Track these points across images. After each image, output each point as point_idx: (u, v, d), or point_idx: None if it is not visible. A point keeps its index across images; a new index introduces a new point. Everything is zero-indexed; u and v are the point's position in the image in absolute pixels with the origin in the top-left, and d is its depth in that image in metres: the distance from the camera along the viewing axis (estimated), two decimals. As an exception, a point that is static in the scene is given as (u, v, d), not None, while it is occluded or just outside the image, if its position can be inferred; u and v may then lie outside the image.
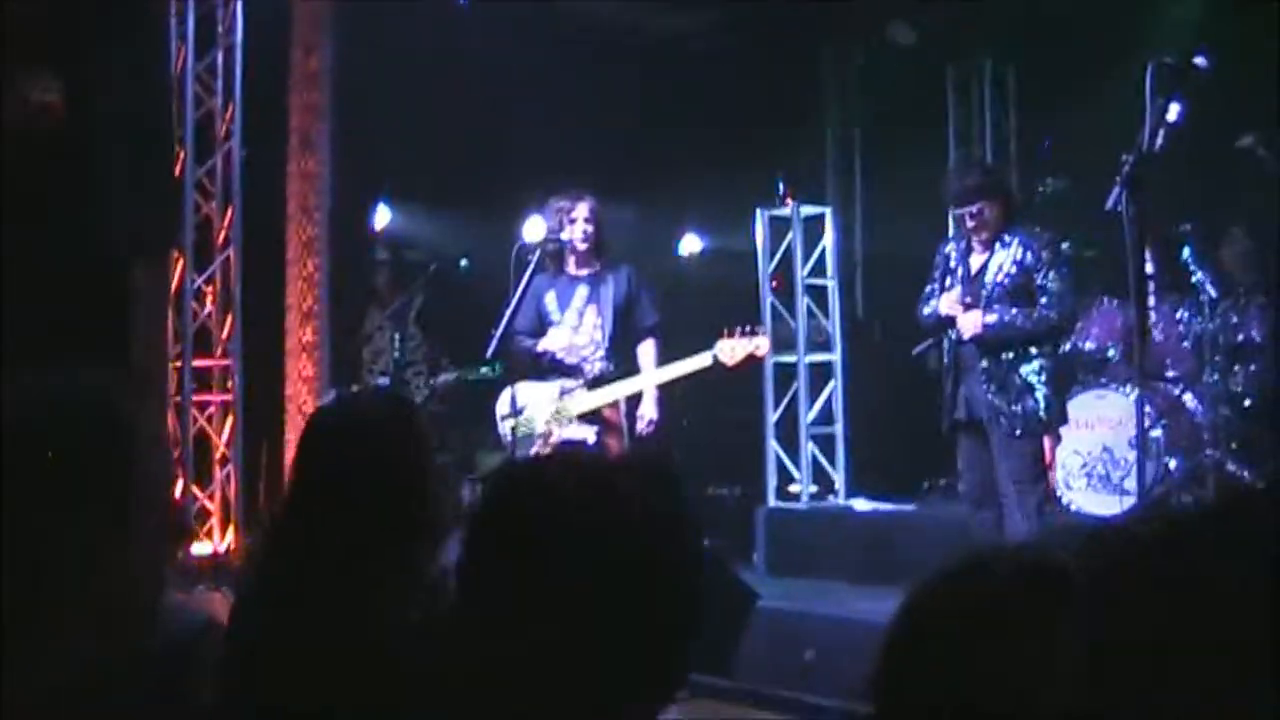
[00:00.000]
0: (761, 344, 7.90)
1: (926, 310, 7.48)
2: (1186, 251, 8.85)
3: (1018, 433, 7.04)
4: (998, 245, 7.21)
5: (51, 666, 1.93)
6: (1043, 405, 7.06)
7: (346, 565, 2.83)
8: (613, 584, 1.76)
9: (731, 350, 7.76)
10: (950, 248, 7.51)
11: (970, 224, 7.24)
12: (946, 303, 7.25)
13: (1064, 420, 7.45)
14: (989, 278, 7.18)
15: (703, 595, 1.84)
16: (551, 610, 1.75)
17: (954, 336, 7.28)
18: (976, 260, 7.30)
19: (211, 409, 9.88)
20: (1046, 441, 7.73)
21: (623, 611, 1.75)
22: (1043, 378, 7.07)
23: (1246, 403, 9.00)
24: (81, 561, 1.95)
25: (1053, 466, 8.54)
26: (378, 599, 2.81)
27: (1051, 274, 7.08)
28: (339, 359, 10.41)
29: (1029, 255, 7.10)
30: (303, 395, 10.19)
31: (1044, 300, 7.06)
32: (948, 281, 7.39)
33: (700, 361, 7.81)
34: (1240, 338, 8.99)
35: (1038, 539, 6.86)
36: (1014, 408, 7.04)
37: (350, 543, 2.85)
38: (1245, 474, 8.77)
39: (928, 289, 7.52)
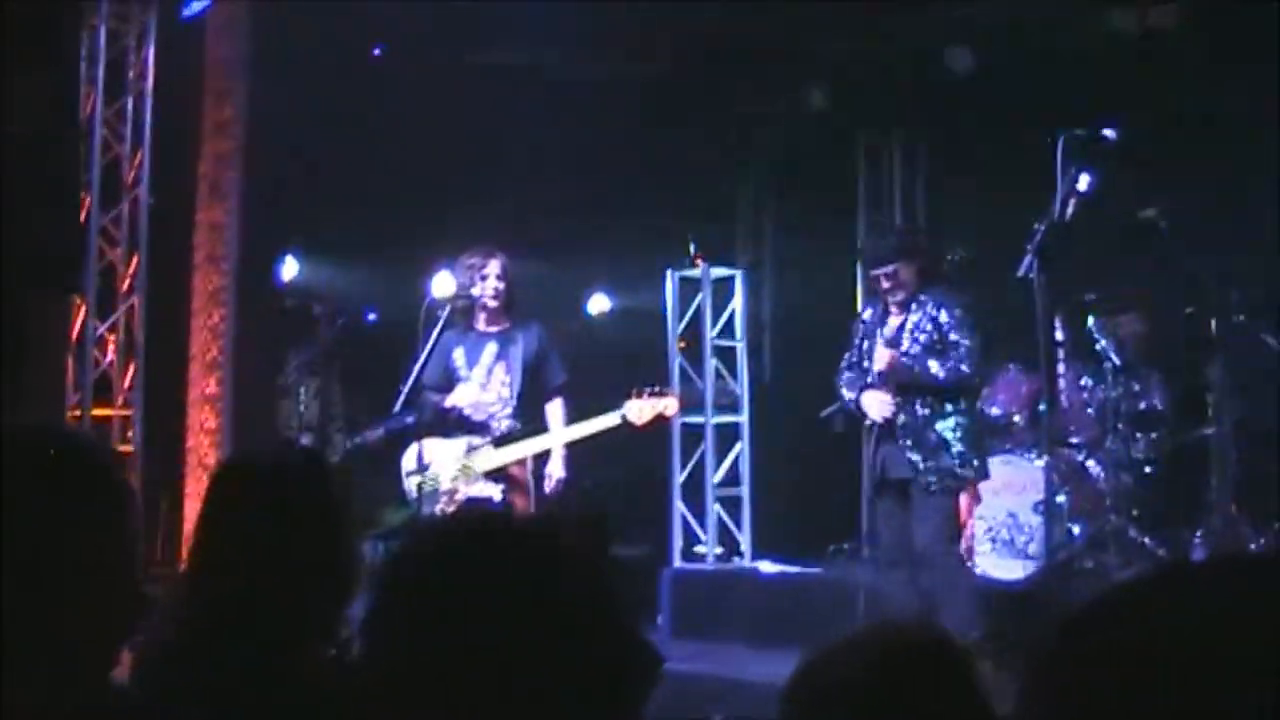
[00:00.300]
0: (670, 404, 7.90)
1: (844, 378, 7.54)
2: (1090, 320, 8.97)
3: (933, 489, 7.09)
4: (913, 306, 7.28)
5: None
6: (958, 461, 7.12)
7: (254, 619, 2.76)
8: (524, 641, 1.72)
9: (640, 410, 7.74)
10: (868, 313, 7.58)
11: (885, 285, 7.32)
12: (879, 359, 7.29)
13: (984, 476, 7.53)
14: (905, 336, 7.25)
15: (617, 656, 1.81)
16: (460, 667, 1.70)
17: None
18: (894, 321, 7.37)
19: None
20: (964, 500, 7.79)
21: (534, 670, 1.71)
22: (958, 434, 7.14)
23: (1148, 469, 9.12)
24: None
25: (969, 526, 8.61)
26: (286, 654, 2.75)
27: (965, 331, 7.17)
28: (242, 411, 10.26)
29: (943, 313, 7.19)
30: (204, 447, 10.05)
31: (955, 354, 7.14)
32: (865, 345, 7.45)
33: (608, 421, 7.79)
34: (1143, 405, 9.11)
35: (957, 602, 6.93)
36: (929, 463, 7.09)
37: (259, 596, 2.78)
38: (1146, 540, 8.86)
39: (846, 356, 7.59)
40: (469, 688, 1.69)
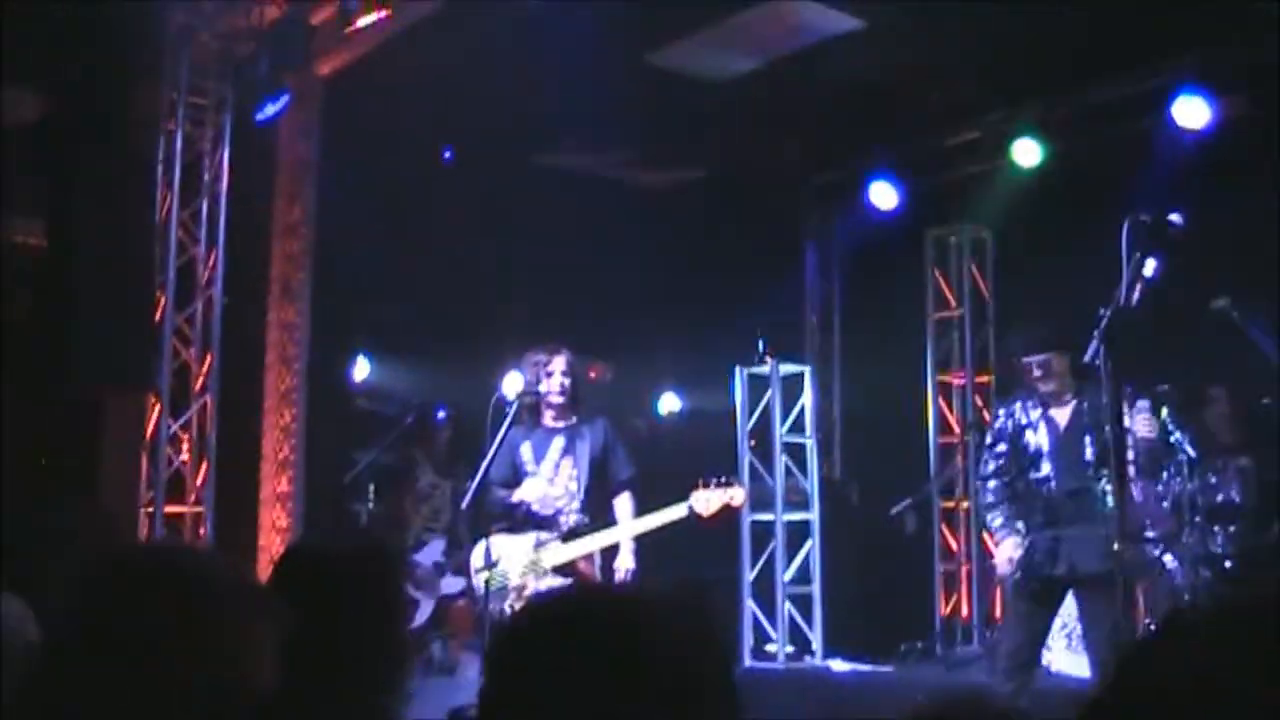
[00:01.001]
0: (737, 495, 7.82)
1: (991, 489, 7.41)
2: (1165, 412, 8.86)
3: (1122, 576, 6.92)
4: (1075, 397, 7.18)
5: None
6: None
7: (306, 703, 2.76)
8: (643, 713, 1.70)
9: (707, 501, 7.68)
10: (1017, 407, 7.43)
11: (1037, 373, 7.22)
12: None
13: None
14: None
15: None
16: None
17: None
18: (1060, 415, 7.26)
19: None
20: None
21: None
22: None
23: (1226, 564, 8.95)
24: None
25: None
26: None
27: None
28: (313, 510, 10.31)
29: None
30: (276, 545, 10.08)
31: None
32: (1023, 440, 7.34)
33: (676, 512, 7.72)
34: (1219, 498, 8.97)
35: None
36: (1130, 550, 6.93)
37: (312, 679, 2.77)
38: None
39: (987, 457, 7.48)
40: None
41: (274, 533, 10.16)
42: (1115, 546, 6.71)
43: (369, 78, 9.85)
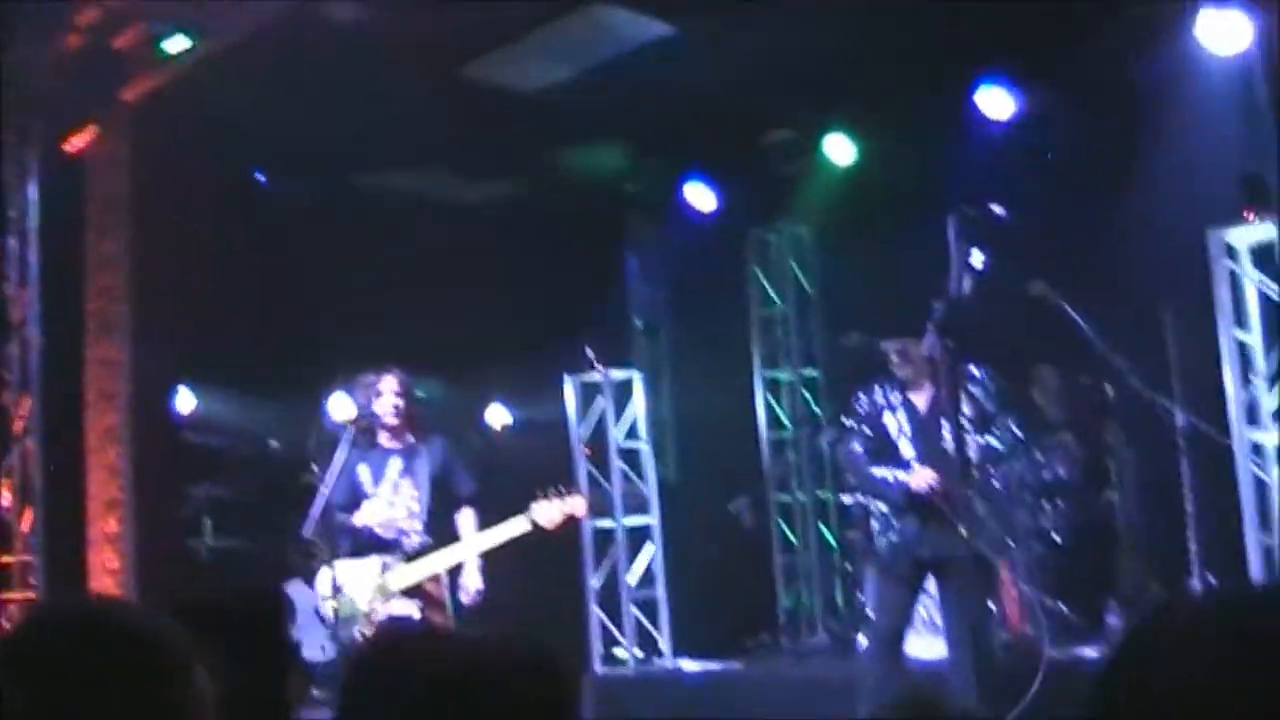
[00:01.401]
0: (578, 504, 7.85)
1: (857, 455, 7.50)
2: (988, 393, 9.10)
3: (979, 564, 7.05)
4: (932, 383, 7.28)
5: None
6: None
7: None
8: None
9: (548, 512, 7.69)
10: (876, 390, 7.51)
11: (894, 360, 7.33)
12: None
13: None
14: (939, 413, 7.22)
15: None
16: None
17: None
18: (918, 399, 7.37)
19: (10, 610, 9.43)
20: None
21: None
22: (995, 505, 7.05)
23: (1056, 539, 9.24)
24: None
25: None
26: None
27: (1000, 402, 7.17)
28: (146, 550, 10.04)
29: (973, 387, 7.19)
30: (109, 588, 9.81)
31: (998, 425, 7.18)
32: (887, 423, 7.43)
33: (519, 526, 7.71)
34: (1048, 476, 9.25)
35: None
36: (980, 537, 7.05)
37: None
38: (1062, 607, 8.97)
39: (851, 432, 7.57)
40: None
41: (105, 575, 9.89)
42: (964, 532, 6.93)
43: (177, 103, 9.65)
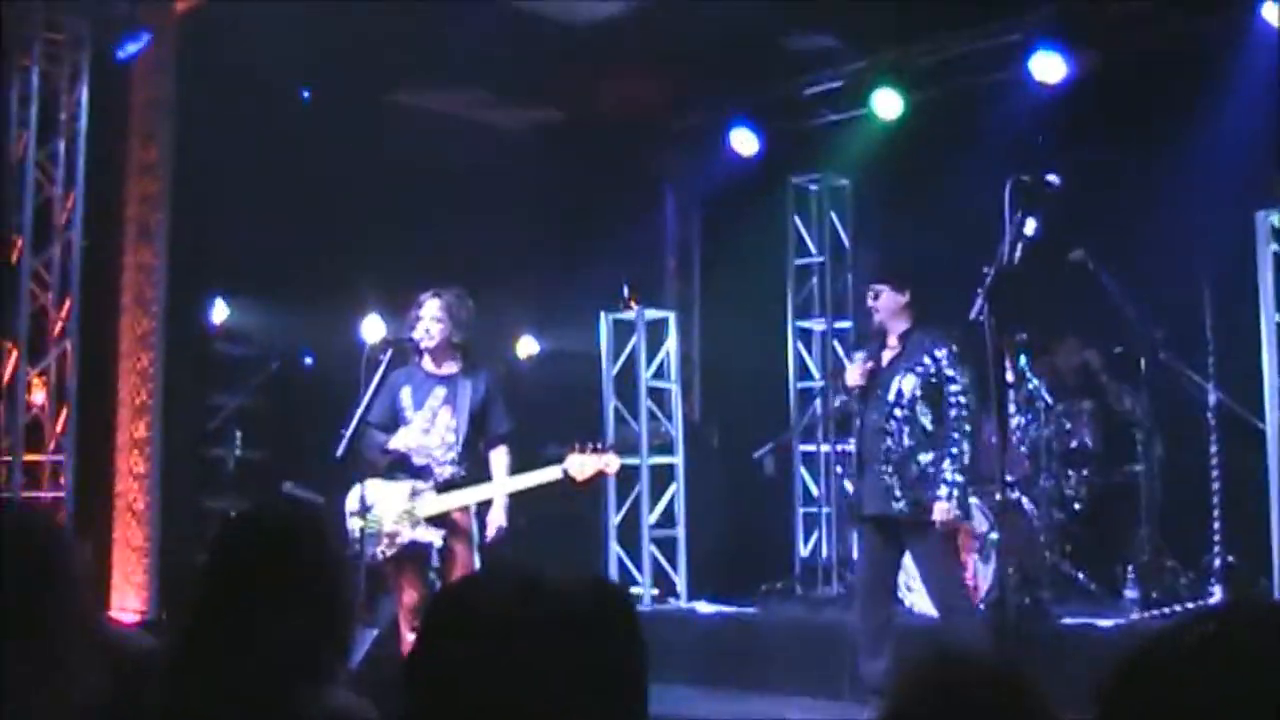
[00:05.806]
0: (612, 462, 7.86)
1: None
2: (1023, 359, 9.13)
3: (912, 520, 7.08)
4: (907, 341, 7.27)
5: None
6: (943, 497, 7.04)
7: (254, 664, 2.81)
8: (561, 692, 1.75)
9: (581, 465, 7.72)
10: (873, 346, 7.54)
11: (870, 302, 7.33)
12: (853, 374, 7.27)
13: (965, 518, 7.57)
14: (901, 369, 7.22)
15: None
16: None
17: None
18: (886, 355, 7.36)
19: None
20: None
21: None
22: (945, 470, 7.08)
23: (1078, 506, 9.29)
24: None
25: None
26: (285, 694, 2.80)
27: (961, 368, 7.11)
28: (172, 455, 10.13)
29: (939, 350, 7.15)
30: (133, 492, 9.91)
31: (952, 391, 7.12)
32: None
33: (551, 474, 7.74)
34: (1073, 443, 9.29)
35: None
36: (906, 494, 7.10)
37: (259, 643, 2.83)
38: (1079, 575, 9.03)
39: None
40: None
41: (131, 479, 9.98)
42: (897, 492, 6.94)
43: (226, 15, 9.63)
